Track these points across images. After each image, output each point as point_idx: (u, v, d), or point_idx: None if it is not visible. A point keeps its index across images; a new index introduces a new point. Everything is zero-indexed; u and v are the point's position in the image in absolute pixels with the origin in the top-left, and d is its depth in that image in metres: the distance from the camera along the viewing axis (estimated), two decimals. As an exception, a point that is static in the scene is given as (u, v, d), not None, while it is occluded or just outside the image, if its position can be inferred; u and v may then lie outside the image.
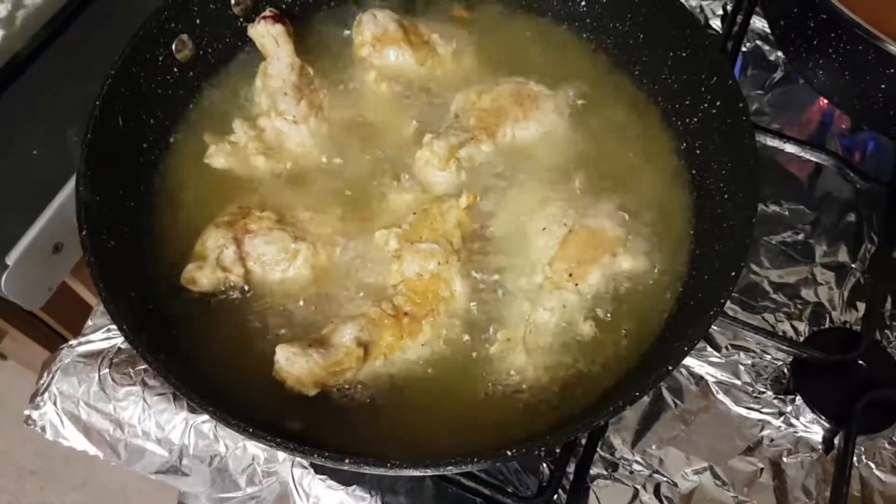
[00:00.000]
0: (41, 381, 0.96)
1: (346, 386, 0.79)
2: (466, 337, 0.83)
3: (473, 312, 0.85)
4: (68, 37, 1.16)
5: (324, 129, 0.94)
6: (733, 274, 0.78)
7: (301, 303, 0.84)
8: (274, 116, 0.93)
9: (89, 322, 0.99)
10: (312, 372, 0.76)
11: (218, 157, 0.92)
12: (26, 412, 0.95)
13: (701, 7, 1.28)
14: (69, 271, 1.11)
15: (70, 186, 1.04)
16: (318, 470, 0.87)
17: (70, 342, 0.97)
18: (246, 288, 0.85)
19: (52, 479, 2.10)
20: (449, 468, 0.68)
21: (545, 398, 0.81)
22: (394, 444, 0.76)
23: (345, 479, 0.87)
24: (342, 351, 0.77)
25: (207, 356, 0.81)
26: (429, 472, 0.69)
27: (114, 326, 0.97)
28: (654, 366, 0.78)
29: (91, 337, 0.97)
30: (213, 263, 0.84)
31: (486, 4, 1.07)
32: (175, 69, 0.95)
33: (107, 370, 0.94)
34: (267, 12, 0.97)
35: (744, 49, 1.23)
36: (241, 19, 0.99)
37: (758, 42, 1.26)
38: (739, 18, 1.20)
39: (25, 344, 1.50)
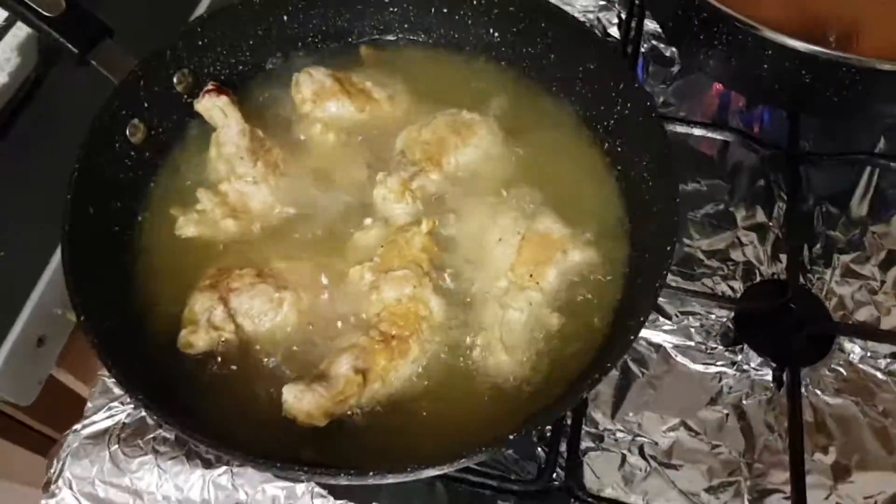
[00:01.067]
0: (52, 470, 0.99)
1: (352, 412, 0.86)
2: (450, 347, 0.92)
3: (452, 324, 0.93)
4: (14, 136, 1.19)
5: (283, 183, 1.01)
6: (668, 249, 0.88)
7: (294, 345, 0.91)
8: (234, 180, 0.99)
9: (89, 404, 1.02)
10: (320, 404, 0.82)
11: (188, 227, 0.98)
12: (42, 502, 0.98)
13: (598, 18, 1.41)
14: (54, 363, 1.14)
15: (44, 281, 1.08)
16: (337, 494, 0.93)
17: (74, 427, 1.01)
18: (240, 342, 0.91)
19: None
20: (462, 461, 0.75)
21: (530, 387, 0.89)
22: (404, 454, 0.83)
23: (364, 498, 0.94)
24: (343, 381, 0.84)
25: (217, 410, 0.87)
26: (445, 469, 0.76)
27: (115, 404, 1.02)
28: (617, 340, 0.88)
29: (94, 418, 1.01)
30: (205, 325, 0.89)
31: (409, 48, 1.17)
32: (132, 152, 1.00)
33: (116, 446, 0.98)
34: (209, 86, 1.04)
35: (642, 50, 1.36)
36: (186, 96, 1.06)
37: (654, 42, 1.39)
38: (634, 24, 1.34)
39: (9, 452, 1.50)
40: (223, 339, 0.90)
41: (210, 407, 0.87)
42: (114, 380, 0.79)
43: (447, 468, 0.75)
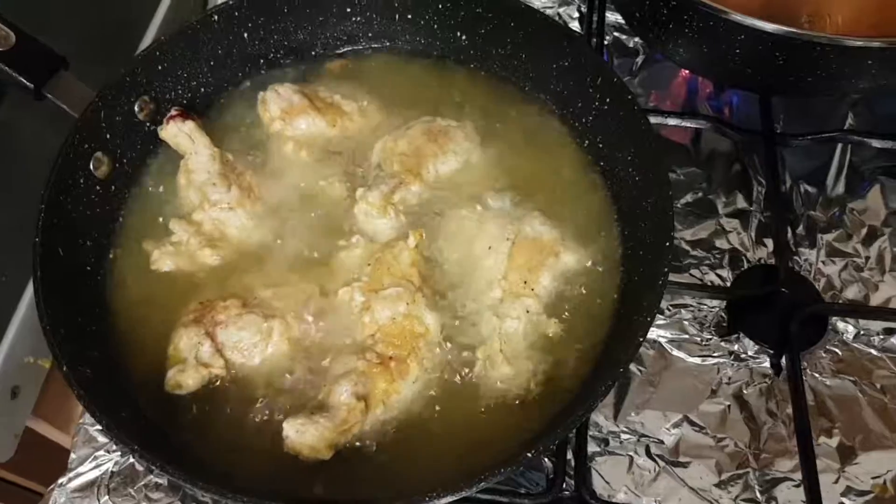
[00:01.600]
0: (39, 529, 0.94)
1: (356, 441, 0.83)
2: (450, 363, 0.89)
3: (450, 339, 0.90)
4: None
5: (259, 207, 0.98)
6: (667, 244, 0.86)
7: (289, 375, 0.87)
8: (208, 208, 0.95)
9: (73, 455, 0.97)
10: (324, 437, 0.79)
11: (164, 261, 0.94)
12: (32, 563, 0.93)
13: (559, 14, 1.40)
14: (29, 414, 1.08)
15: (13, 329, 1.03)
16: (345, 527, 0.90)
17: (59, 481, 0.95)
18: (231, 377, 0.87)
19: None
20: (482, 484, 0.72)
21: (536, 398, 0.87)
22: (418, 481, 0.79)
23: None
24: (344, 409, 0.81)
25: (212, 451, 0.83)
26: (464, 493, 0.73)
27: (100, 453, 0.97)
28: (622, 342, 0.86)
29: (79, 469, 0.96)
30: (193, 363, 0.85)
31: (375, 57, 1.14)
32: (97, 187, 0.96)
33: (106, 497, 0.94)
34: (173, 111, 1.00)
35: (605, 42, 1.35)
36: (149, 123, 1.01)
37: (615, 34, 1.39)
38: (595, 17, 1.33)
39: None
40: (213, 375, 0.86)
41: (205, 448, 0.83)
42: (104, 430, 0.74)
43: (466, 492, 0.72)
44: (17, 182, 1.05)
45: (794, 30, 0.96)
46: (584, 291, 0.95)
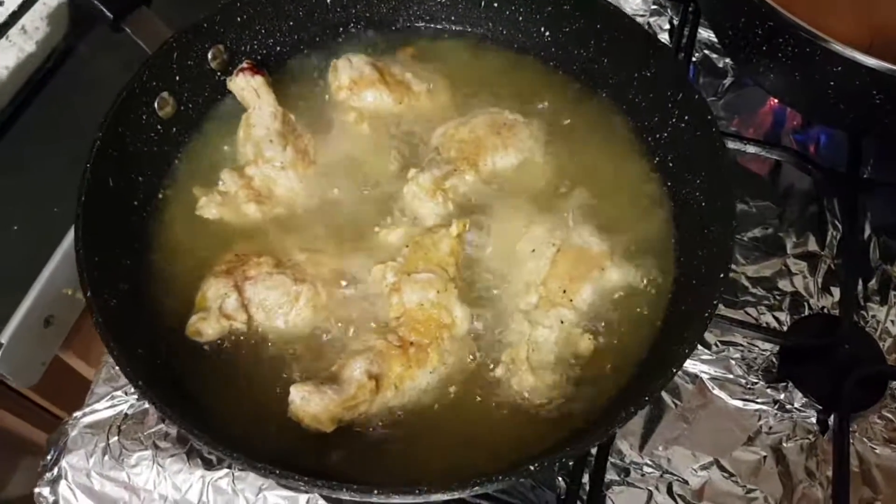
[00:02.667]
0: (48, 457, 0.95)
1: (362, 420, 0.81)
2: (472, 361, 0.86)
3: (476, 336, 0.87)
4: (38, 108, 1.16)
5: (311, 171, 0.97)
6: (722, 276, 0.81)
7: (307, 343, 0.86)
8: (261, 164, 0.95)
9: (92, 391, 0.98)
10: (328, 409, 0.77)
11: (209, 208, 0.94)
12: (36, 490, 0.94)
13: (648, 24, 1.34)
14: (60, 344, 1.10)
15: (56, 259, 1.04)
16: (341, 509, 0.88)
17: (74, 414, 0.96)
18: (251, 334, 0.86)
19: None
20: (476, 489, 0.69)
21: (554, 413, 0.84)
22: (414, 471, 0.78)
23: (370, 516, 0.88)
24: (355, 385, 0.79)
25: (219, 405, 0.82)
26: (455, 495, 0.71)
27: (118, 393, 0.97)
28: (655, 371, 0.81)
29: (95, 406, 0.97)
30: (217, 313, 0.85)
31: (454, 42, 1.11)
32: (158, 126, 0.96)
33: (116, 438, 0.94)
34: (244, 64, 1.00)
35: (693, 59, 1.29)
36: (219, 73, 1.01)
37: (706, 52, 1.32)
38: (687, 31, 1.27)
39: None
40: (234, 328, 0.85)
41: (213, 401, 0.83)
42: (114, 360, 0.74)
43: (458, 494, 0.69)
44: (84, 117, 1.06)
45: (896, 67, 0.89)
46: (625, 312, 0.90)
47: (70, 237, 1.06)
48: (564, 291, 0.89)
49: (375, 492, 0.68)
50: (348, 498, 0.71)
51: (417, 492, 0.68)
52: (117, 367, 0.97)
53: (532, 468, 0.70)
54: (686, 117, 0.94)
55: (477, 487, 0.70)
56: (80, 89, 1.17)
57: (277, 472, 0.68)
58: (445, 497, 0.72)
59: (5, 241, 1.05)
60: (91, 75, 1.18)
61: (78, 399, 1.00)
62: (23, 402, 1.41)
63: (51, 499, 0.93)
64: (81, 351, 1.14)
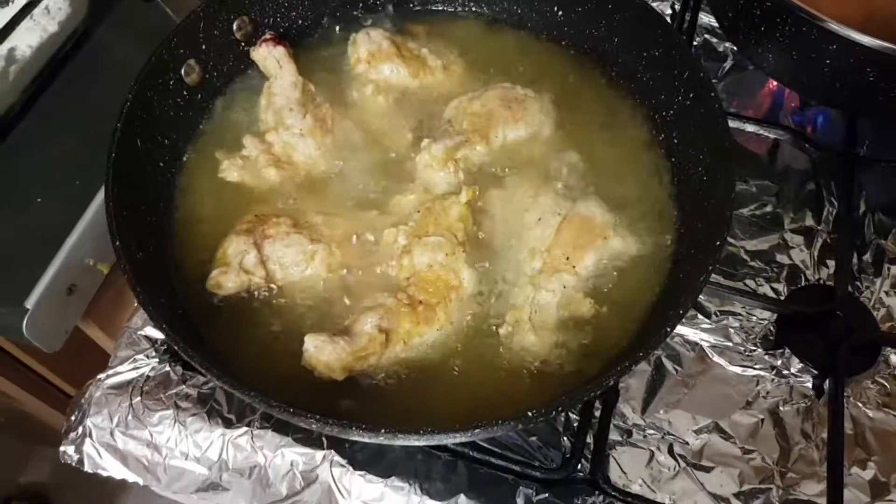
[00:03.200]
0: (72, 418, 0.99)
1: (371, 371, 0.85)
2: (478, 321, 0.90)
3: (482, 298, 0.91)
4: (59, 87, 1.20)
5: (329, 140, 1.01)
6: (718, 243, 0.84)
7: (321, 299, 0.90)
8: (281, 131, 0.99)
9: (114, 355, 1.02)
10: (340, 358, 0.81)
11: (231, 171, 0.98)
12: (62, 448, 0.97)
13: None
14: (82, 313, 1.14)
15: (79, 230, 1.08)
16: (357, 466, 0.92)
17: (98, 376, 1.00)
18: (268, 289, 0.90)
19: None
20: (477, 431, 0.72)
21: (555, 371, 0.87)
22: (419, 420, 0.80)
23: (383, 472, 0.92)
24: (366, 338, 0.83)
25: (235, 356, 0.86)
26: (458, 438, 0.74)
27: (140, 357, 1.01)
28: (652, 331, 0.84)
29: (118, 368, 1.00)
30: (237, 268, 0.89)
31: (469, 21, 1.15)
32: (185, 92, 1.01)
33: (138, 398, 0.97)
34: (267, 35, 1.04)
35: (694, 43, 1.33)
36: (243, 43, 1.06)
37: (706, 36, 1.36)
38: (688, 16, 1.31)
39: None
40: (252, 283, 0.89)
41: (230, 352, 0.86)
42: (140, 303, 0.77)
43: (461, 437, 0.73)
44: (105, 96, 1.10)
45: (890, 45, 0.93)
46: (626, 279, 0.94)
47: (91, 209, 1.10)
48: (568, 258, 0.93)
49: (383, 430, 0.71)
50: (357, 438, 0.74)
51: (422, 432, 0.72)
52: (139, 333, 1.03)
53: (531, 414, 0.73)
54: (691, 95, 0.97)
55: (478, 430, 0.73)
56: (100, 68, 1.21)
57: (292, 410, 0.72)
58: (448, 439, 0.75)
59: (30, 214, 1.09)
60: (111, 55, 1.22)
61: (94, 370, 1.03)
62: (45, 385, 1.45)
63: (75, 457, 0.97)
64: (101, 321, 1.18)
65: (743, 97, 1.31)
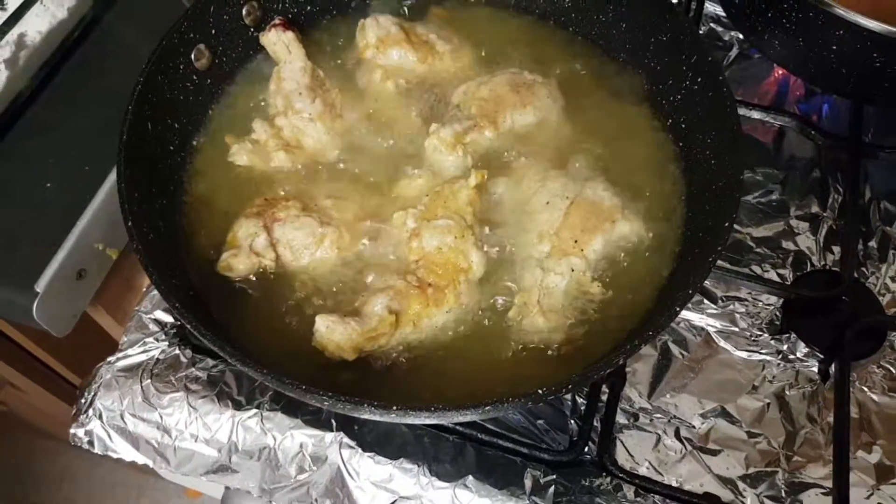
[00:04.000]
0: (82, 400, 0.99)
1: (381, 352, 0.85)
2: (486, 303, 0.90)
3: (490, 280, 0.91)
4: (68, 73, 1.20)
5: (338, 124, 1.01)
6: (726, 225, 0.84)
7: (330, 281, 0.90)
8: (291, 115, 0.99)
9: (124, 338, 1.03)
10: (350, 338, 0.81)
11: (241, 155, 0.98)
12: (71, 431, 0.98)
13: (658, -3, 1.38)
14: (91, 298, 1.14)
15: (88, 214, 1.08)
16: (366, 447, 0.92)
17: (108, 359, 1.01)
18: (278, 271, 0.91)
19: None
20: (487, 408, 0.73)
21: (563, 354, 0.87)
22: (430, 401, 0.81)
23: (392, 453, 0.92)
24: (376, 319, 0.83)
25: (245, 338, 0.86)
26: (469, 416, 0.75)
27: (150, 340, 1.02)
28: (659, 312, 0.85)
29: (128, 352, 1.01)
30: (247, 250, 0.89)
31: (477, 7, 1.16)
32: (194, 77, 1.01)
33: (148, 381, 0.98)
34: (276, 20, 1.04)
35: (701, 32, 1.33)
36: (252, 29, 1.06)
37: (712, 25, 1.37)
38: (694, 5, 1.31)
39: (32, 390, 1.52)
40: (262, 265, 0.90)
41: (240, 333, 0.87)
42: (153, 283, 0.78)
43: (471, 415, 0.73)
44: (113, 82, 1.10)
45: (896, 29, 0.93)
46: (634, 263, 0.94)
47: (101, 194, 1.10)
48: (576, 242, 0.93)
49: (394, 408, 0.72)
50: (368, 416, 0.75)
51: (433, 409, 0.72)
52: (149, 316, 1.03)
53: (541, 392, 0.74)
54: (699, 79, 0.97)
55: (489, 407, 0.73)
56: (109, 54, 1.21)
57: (304, 387, 0.72)
58: (459, 417, 0.75)
59: (40, 198, 1.09)
60: (120, 41, 1.23)
61: (102, 356, 1.04)
62: (52, 375, 1.46)
63: (85, 439, 0.98)
64: (109, 307, 1.18)
65: (748, 86, 1.32)
